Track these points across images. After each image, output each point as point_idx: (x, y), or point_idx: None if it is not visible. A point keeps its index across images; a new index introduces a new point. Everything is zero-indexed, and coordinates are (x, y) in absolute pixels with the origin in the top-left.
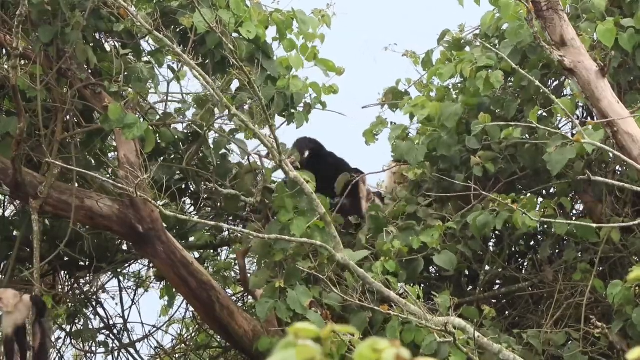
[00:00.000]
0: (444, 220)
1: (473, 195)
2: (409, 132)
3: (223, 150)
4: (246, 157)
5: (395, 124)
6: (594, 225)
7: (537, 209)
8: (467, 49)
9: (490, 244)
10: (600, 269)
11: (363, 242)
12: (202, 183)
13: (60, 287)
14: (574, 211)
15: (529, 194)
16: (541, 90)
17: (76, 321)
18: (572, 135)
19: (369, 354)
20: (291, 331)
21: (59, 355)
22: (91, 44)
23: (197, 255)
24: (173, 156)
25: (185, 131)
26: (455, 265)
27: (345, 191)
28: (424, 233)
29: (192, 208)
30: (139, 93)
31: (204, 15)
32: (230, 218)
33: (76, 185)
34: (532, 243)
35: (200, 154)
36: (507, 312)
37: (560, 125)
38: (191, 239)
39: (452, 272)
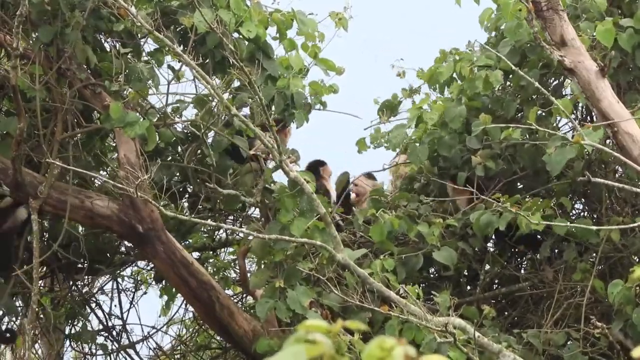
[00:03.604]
0: (444, 219)
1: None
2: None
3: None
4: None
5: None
6: (594, 227)
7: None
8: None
9: (490, 243)
10: (600, 267)
11: (360, 222)
12: (202, 183)
13: (58, 288)
14: (574, 211)
15: (532, 196)
16: (540, 91)
17: (75, 323)
18: (572, 135)
19: (377, 352)
20: (301, 327)
21: (58, 357)
22: (91, 44)
23: (197, 255)
24: (171, 157)
25: (185, 131)
26: (455, 261)
27: (345, 189)
28: (422, 224)
29: (191, 210)
30: (138, 93)
31: (204, 15)
32: (231, 217)
33: (74, 185)
34: (532, 243)
35: (199, 155)
36: (507, 312)
37: (560, 125)
38: (189, 242)
39: (452, 272)
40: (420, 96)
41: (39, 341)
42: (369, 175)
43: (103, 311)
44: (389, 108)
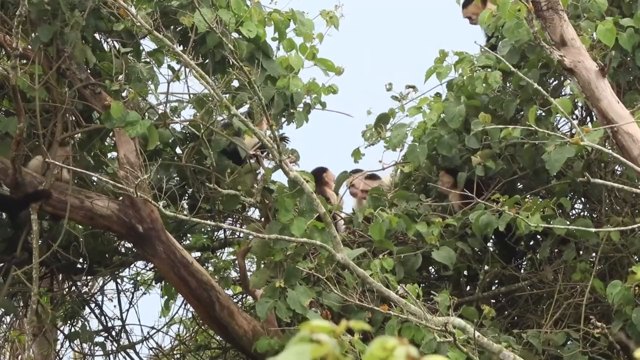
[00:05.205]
0: (444, 219)
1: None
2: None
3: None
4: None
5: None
6: (593, 230)
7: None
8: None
9: (489, 243)
10: (600, 267)
11: (360, 219)
12: (201, 184)
13: (57, 289)
14: (574, 211)
15: (532, 196)
16: (539, 92)
17: (74, 323)
18: (571, 135)
19: (380, 352)
20: (304, 327)
21: (57, 357)
22: (90, 44)
23: (197, 254)
24: (169, 158)
25: (184, 131)
26: (454, 261)
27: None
28: (421, 224)
29: (190, 210)
30: (138, 93)
31: (204, 15)
32: (230, 219)
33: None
34: (531, 243)
35: (197, 157)
36: (506, 312)
37: (559, 125)
38: (188, 242)
39: (452, 272)
40: (411, 100)
41: (34, 341)
42: (372, 176)
43: (102, 311)
44: (384, 121)
